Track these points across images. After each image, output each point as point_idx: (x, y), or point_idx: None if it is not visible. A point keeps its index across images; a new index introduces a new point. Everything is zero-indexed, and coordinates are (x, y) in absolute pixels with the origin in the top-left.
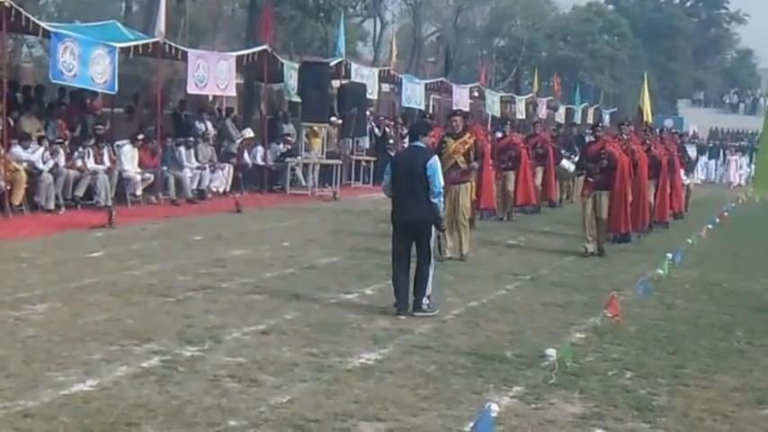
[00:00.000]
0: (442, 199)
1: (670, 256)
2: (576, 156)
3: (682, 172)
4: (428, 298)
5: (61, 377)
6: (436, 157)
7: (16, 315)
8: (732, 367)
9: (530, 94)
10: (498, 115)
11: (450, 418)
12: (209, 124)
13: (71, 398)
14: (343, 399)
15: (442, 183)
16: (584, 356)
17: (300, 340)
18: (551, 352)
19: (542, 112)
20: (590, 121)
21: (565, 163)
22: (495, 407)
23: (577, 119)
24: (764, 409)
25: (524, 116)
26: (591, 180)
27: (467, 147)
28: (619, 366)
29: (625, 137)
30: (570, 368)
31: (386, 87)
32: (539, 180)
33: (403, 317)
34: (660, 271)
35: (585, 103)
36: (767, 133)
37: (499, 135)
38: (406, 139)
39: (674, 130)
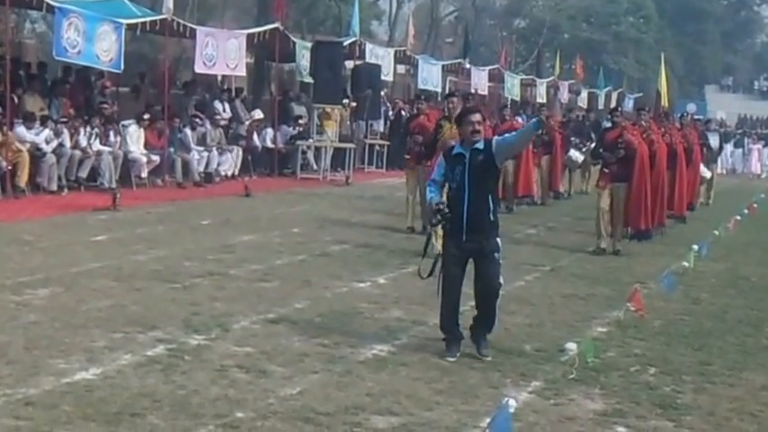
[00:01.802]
0: (428, 190)
1: (696, 248)
2: (590, 143)
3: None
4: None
5: (63, 365)
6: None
7: (17, 300)
8: (760, 365)
9: (551, 78)
10: (518, 99)
11: (466, 413)
12: (226, 106)
13: (73, 386)
14: (354, 391)
15: (433, 174)
16: (606, 351)
17: (311, 330)
18: (571, 346)
19: (564, 95)
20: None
21: (573, 152)
22: (512, 402)
23: (600, 103)
24: None
25: (545, 100)
26: (607, 171)
27: None
28: (642, 362)
29: (644, 123)
30: (591, 363)
31: (401, 69)
32: (544, 170)
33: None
34: (685, 263)
35: (609, 88)
36: None
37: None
38: None
39: (695, 117)
